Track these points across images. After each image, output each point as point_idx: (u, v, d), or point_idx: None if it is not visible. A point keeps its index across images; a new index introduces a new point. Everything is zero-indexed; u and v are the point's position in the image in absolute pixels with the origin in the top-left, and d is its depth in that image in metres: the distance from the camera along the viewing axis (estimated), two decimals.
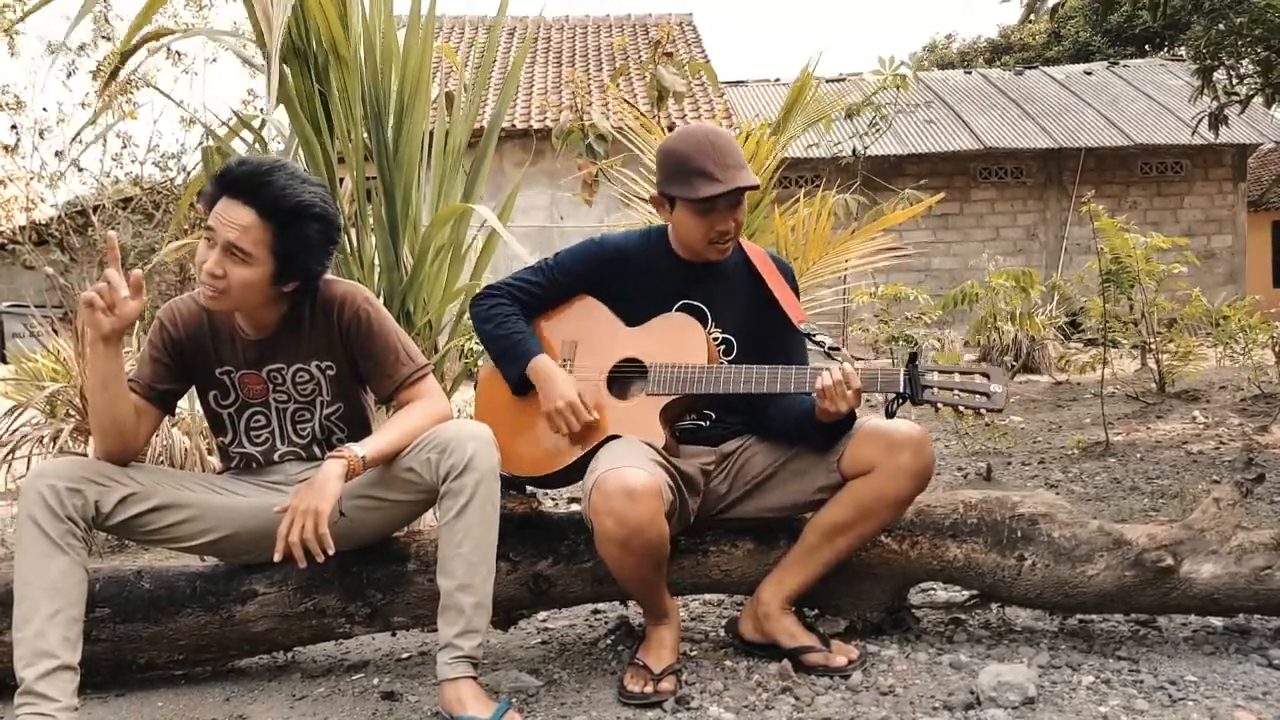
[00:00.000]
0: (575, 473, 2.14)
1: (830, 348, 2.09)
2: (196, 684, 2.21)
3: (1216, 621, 2.24)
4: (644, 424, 2.09)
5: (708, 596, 2.66)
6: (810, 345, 2.21)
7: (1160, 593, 2.07)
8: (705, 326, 2.17)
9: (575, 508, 2.39)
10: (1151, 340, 6.62)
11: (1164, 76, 18.20)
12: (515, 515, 2.13)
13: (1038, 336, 8.79)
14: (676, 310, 2.20)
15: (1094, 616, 2.30)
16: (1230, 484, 2.14)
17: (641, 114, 4.90)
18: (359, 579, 2.16)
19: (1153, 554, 2.05)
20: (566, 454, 2.14)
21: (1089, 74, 18.98)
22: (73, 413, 3.99)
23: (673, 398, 2.10)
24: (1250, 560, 2.03)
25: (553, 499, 3.88)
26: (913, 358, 2.03)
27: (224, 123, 3.46)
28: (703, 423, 2.25)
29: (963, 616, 2.35)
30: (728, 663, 2.15)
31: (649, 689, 1.97)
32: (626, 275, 2.23)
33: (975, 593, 2.27)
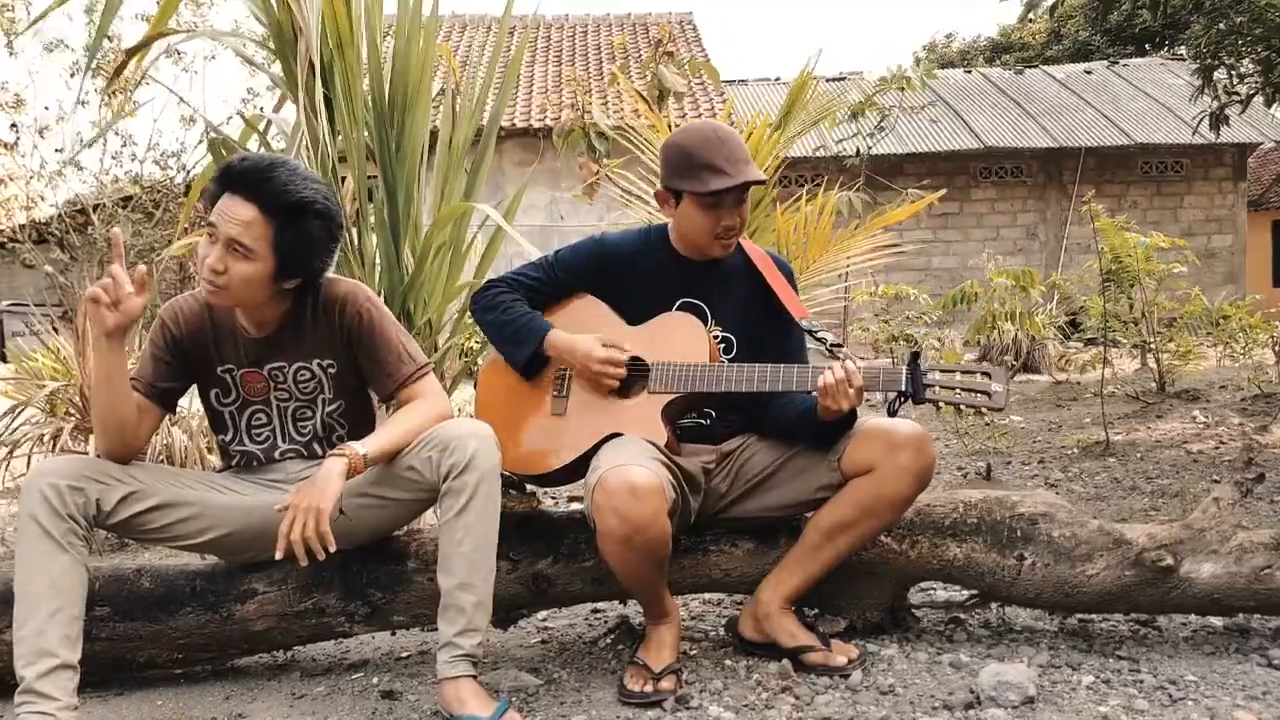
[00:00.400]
0: (576, 471, 2.14)
1: (832, 345, 2.09)
2: (196, 683, 2.21)
3: (1216, 621, 2.24)
4: (646, 422, 2.09)
5: (708, 596, 2.66)
6: (811, 342, 2.21)
7: (1160, 592, 2.07)
8: (705, 325, 2.17)
9: (575, 507, 2.39)
10: (1151, 340, 6.62)
11: (1164, 76, 18.19)
12: (515, 514, 2.13)
13: (1038, 336, 8.79)
14: (677, 309, 2.20)
15: (1094, 616, 2.30)
16: (1230, 484, 2.14)
17: (651, 107, 4.91)
18: (359, 578, 2.16)
19: (1153, 554, 2.05)
20: (567, 451, 2.14)
21: (1089, 73, 18.97)
22: (73, 411, 4.00)
23: (674, 396, 2.10)
24: (1250, 560, 2.03)
25: (553, 498, 3.88)
26: (914, 356, 2.03)
27: (227, 121, 3.45)
28: (703, 421, 2.25)
29: (963, 616, 2.35)
30: (728, 662, 2.15)
31: (649, 688, 1.97)
32: (627, 274, 2.23)
33: (975, 592, 2.27)
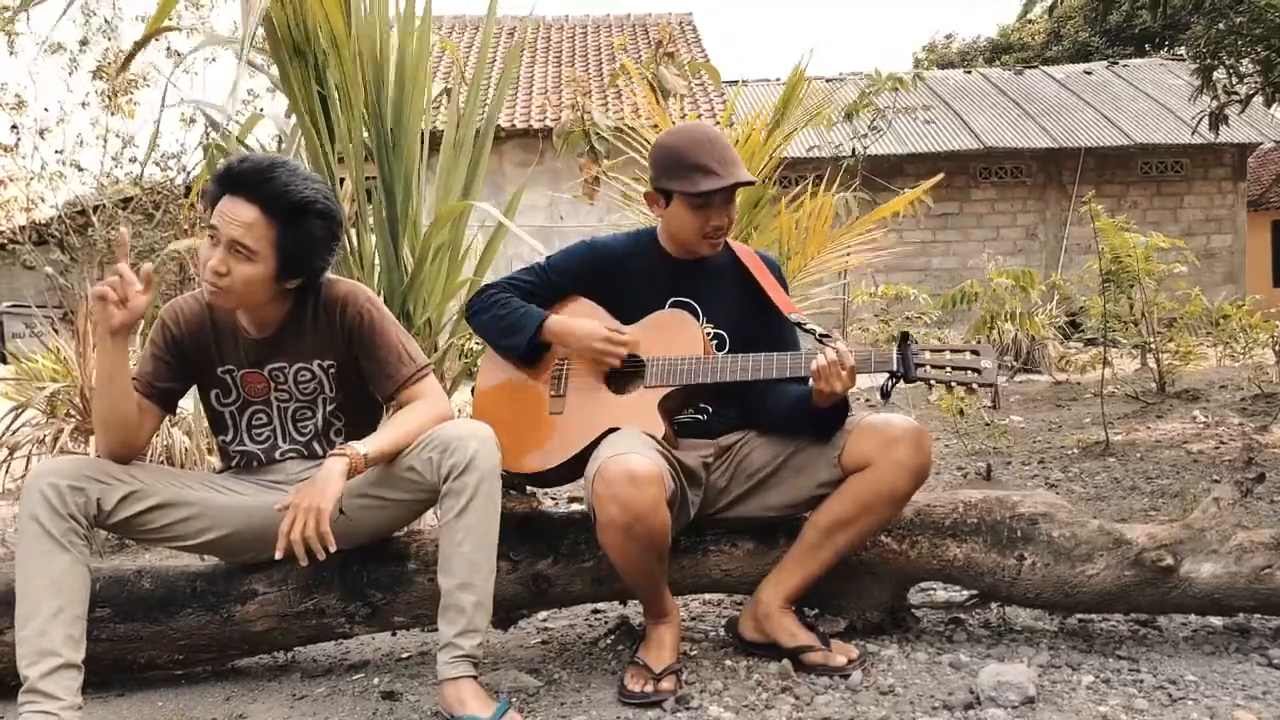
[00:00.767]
0: (576, 469, 2.14)
1: (821, 335, 2.10)
2: (196, 683, 2.21)
3: (1216, 621, 2.24)
4: (643, 415, 2.10)
5: (708, 596, 2.66)
6: (802, 334, 2.23)
7: (1160, 592, 2.07)
8: (697, 321, 2.19)
9: (575, 507, 2.40)
10: (1151, 340, 6.62)
11: (1164, 76, 18.20)
12: (515, 514, 2.13)
13: (1037, 336, 8.79)
14: (669, 307, 2.22)
15: (1094, 616, 2.30)
16: (1230, 484, 2.14)
17: (659, 102, 4.91)
18: (359, 579, 2.16)
19: (1152, 553, 2.05)
20: (566, 449, 2.14)
21: (1089, 74, 18.97)
22: (73, 412, 4.00)
23: (670, 389, 2.12)
24: (1250, 560, 2.03)
25: (553, 498, 3.88)
26: (904, 336, 2.05)
27: (226, 121, 3.46)
28: (701, 416, 2.26)
29: (962, 616, 2.35)
30: (728, 662, 2.15)
31: (649, 688, 1.97)
32: (618, 275, 2.26)
33: (975, 592, 2.27)
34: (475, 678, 1.90)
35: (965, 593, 2.38)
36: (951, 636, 2.25)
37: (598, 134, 5.36)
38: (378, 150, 3.27)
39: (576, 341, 2.16)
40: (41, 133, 9.62)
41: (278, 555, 1.85)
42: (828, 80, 16.81)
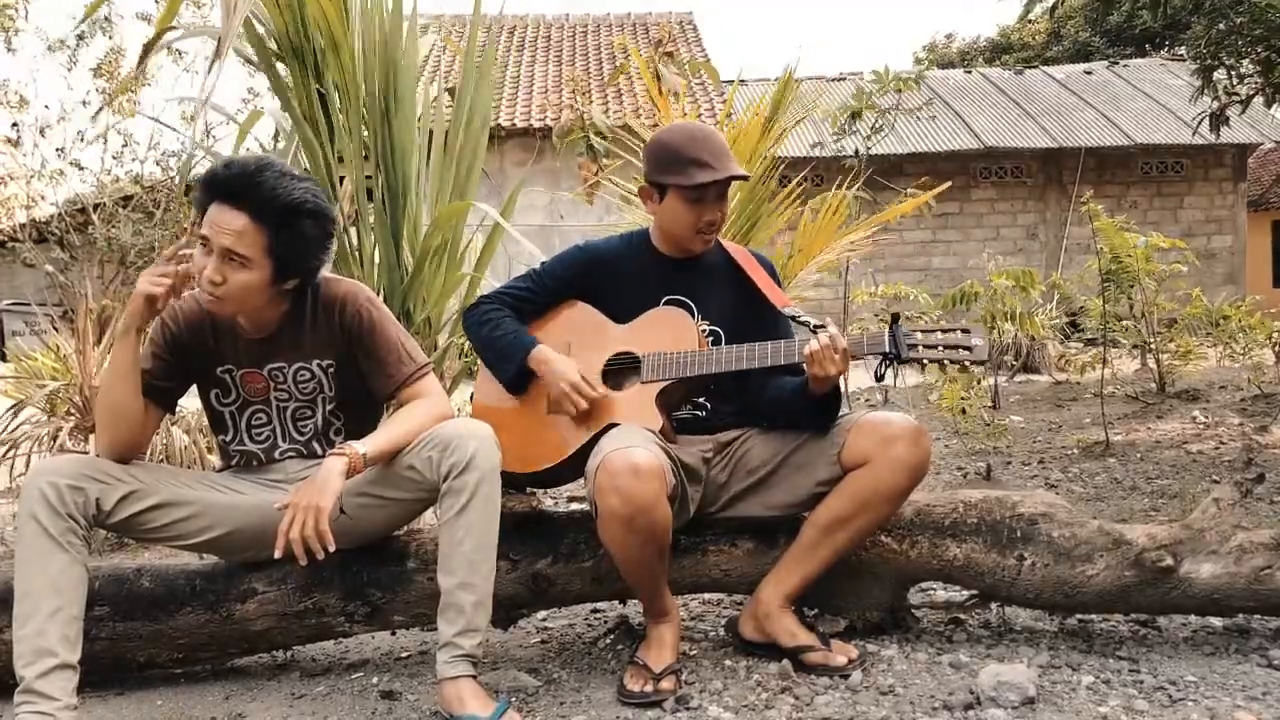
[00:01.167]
0: (575, 468, 2.14)
1: (815, 325, 2.11)
2: (195, 682, 2.21)
3: (1216, 621, 2.24)
4: (641, 410, 2.11)
5: (708, 596, 2.66)
6: (796, 326, 2.24)
7: (1160, 593, 2.07)
8: (692, 318, 2.20)
9: (575, 507, 2.40)
10: (1151, 340, 6.62)
11: (1164, 76, 18.19)
12: (515, 514, 2.13)
13: (1037, 336, 8.78)
14: (663, 305, 2.23)
15: (1094, 616, 2.30)
16: (1230, 484, 2.14)
17: (664, 99, 4.92)
18: (359, 578, 2.16)
19: (1152, 554, 2.05)
20: (566, 446, 2.15)
21: (1089, 74, 18.96)
22: (73, 411, 4.00)
23: (667, 382, 2.13)
24: (1250, 560, 2.03)
25: (553, 498, 3.88)
26: (895, 318, 2.06)
27: (226, 122, 3.46)
28: (699, 413, 2.27)
29: (962, 616, 2.35)
30: (728, 662, 2.15)
31: (649, 688, 1.97)
32: (612, 277, 2.28)
33: (975, 592, 2.27)
34: (475, 677, 1.90)
35: (965, 593, 2.38)
36: (951, 636, 2.25)
37: (597, 134, 5.36)
38: (377, 149, 3.27)
39: (549, 379, 2.16)
40: (42, 130, 9.60)
41: (277, 554, 1.85)
42: (829, 80, 16.85)
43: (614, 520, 1.91)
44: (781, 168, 4.46)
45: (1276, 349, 6.93)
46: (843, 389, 2.13)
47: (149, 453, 3.55)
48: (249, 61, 3.56)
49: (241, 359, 2.10)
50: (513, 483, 2.18)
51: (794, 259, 4.22)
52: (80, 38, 10.52)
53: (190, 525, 2.03)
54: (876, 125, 7.73)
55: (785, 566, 2.15)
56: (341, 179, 3.39)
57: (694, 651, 2.23)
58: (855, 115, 7.32)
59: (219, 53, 2.79)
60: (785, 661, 2.05)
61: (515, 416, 2.21)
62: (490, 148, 3.57)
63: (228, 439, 2.18)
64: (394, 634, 2.46)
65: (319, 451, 2.12)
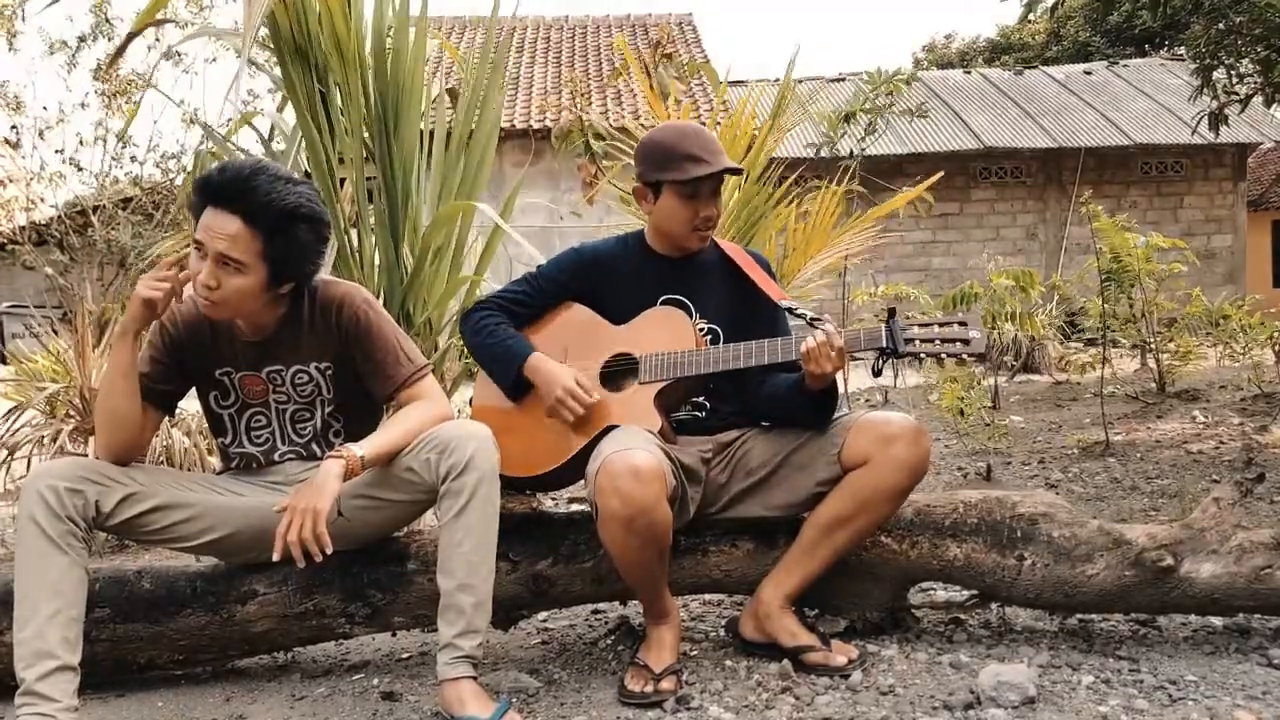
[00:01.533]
0: (575, 471, 2.14)
1: (812, 319, 2.11)
2: (196, 684, 2.21)
3: (1216, 621, 2.24)
4: (639, 411, 2.11)
5: (708, 596, 2.66)
6: (793, 320, 2.24)
7: (1160, 592, 2.07)
8: (690, 318, 2.21)
9: (575, 508, 2.40)
10: (1151, 340, 6.62)
11: (1164, 76, 18.18)
12: (515, 515, 2.13)
13: (1037, 336, 8.79)
14: (660, 305, 2.23)
15: (1094, 616, 2.30)
16: (1230, 484, 2.14)
17: (660, 101, 4.93)
18: (359, 579, 2.16)
19: (1152, 554, 2.05)
20: (565, 449, 2.14)
21: (1089, 74, 18.96)
22: (73, 413, 4.00)
23: (665, 383, 2.13)
24: (1250, 560, 2.03)
25: (553, 499, 3.88)
26: (891, 313, 2.06)
27: (226, 122, 3.46)
28: (699, 413, 2.27)
29: (963, 616, 2.35)
30: (728, 662, 2.15)
31: (649, 689, 1.97)
32: (608, 279, 2.28)
33: (975, 592, 2.27)
34: (475, 678, 1.90)
35: (965, 593, 2.38)
36: (951, 637, 2.25)
37: (596, 135, 5.36)
38: (377, 150, 3.27)
39: (547, 390, 2.15)
40: (41, 133, 9.60)
41: (275, 557, 1.85)
42: (828, 80, 16.85)
43: (614, 522, 1.91)
44: (781, 168, 4.47)
45: (1276, 349, 6.92)
46: (842, 388, 2.13)
47: (149, 455, 3.55)
48: (250, 62, 3.56)
49: (240, 361, 2.10)
50: (513, 485, 2.18)
51: (789, 259, 4.22)
52: (81, 39, 10.53)
53: (190, 527, 2.03)
54: (871, 126, 7.74)
55: (785, 567, 2.15)
56: (343, 180, 3.39)
57: (694, 652, 2.23)
58: (848, 118, 7.34)
59: (242, 53, 2.79)
60: (785, 662, 2.05)
61: (515, 420, 2.21)
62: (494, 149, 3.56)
63: (227, 441, 2.18)
64: (394, 635, 2.46)
65: (318, 453, 2.12)
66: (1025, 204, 16.41)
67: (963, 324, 2.04)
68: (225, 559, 2.18)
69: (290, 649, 2.29)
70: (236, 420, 2.16)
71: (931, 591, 2.59)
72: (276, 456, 2.16)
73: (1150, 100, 17.17)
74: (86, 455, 3.31)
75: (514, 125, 13.87)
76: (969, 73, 20.07)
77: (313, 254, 2.01)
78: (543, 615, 2.60)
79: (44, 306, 6.67)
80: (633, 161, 2.32)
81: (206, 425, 2.30)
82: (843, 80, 16.84)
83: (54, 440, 3.87)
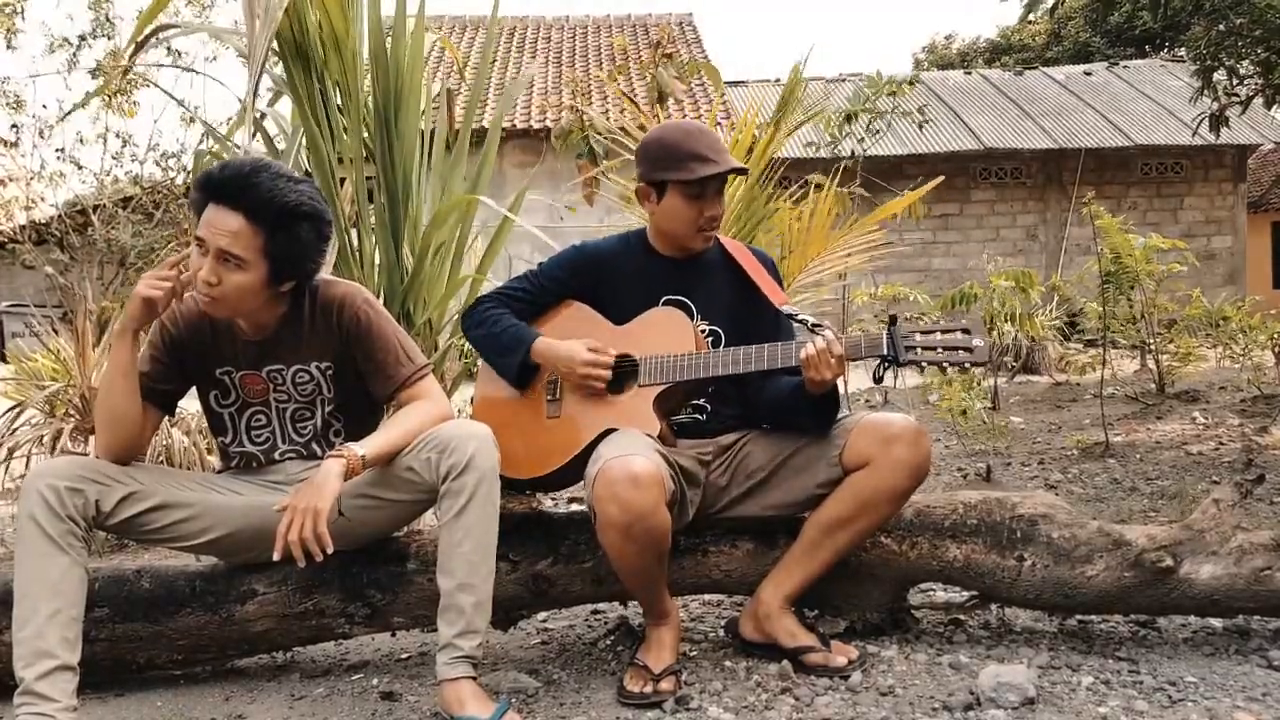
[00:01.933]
0: (575, 472, 2.14)
1: (813, 324, 2.10)
2: (195, 684, 2.21)
3: (1216, 622, 2.24)
4: (638, 415, 2.10)
5: (708, 597, 2.66)
6: (795, 325, 2.23)
7: (1160, 593, 2.07)
8: (691, 319, 2.20)
9: (575, 508, 2.40)
10: (1151, 341, 6.62)
11: (1164, 77, 18.20)
12: (515, 515, 2.13)
13: (1037, 337, 8.78)
14: (662, 305, 2.22)
15: (1094, 617, 2.30)
16: (1230, 484, 2.14)
17: (641, 110, 4.92)
18: (359, 579, 2.16)
19: (1152, 555, 2.05)
20: (565, 451, 2.14)
21: (1089, 74, 18.97)
22: (73, 412, 4.00)
23: (664, 386, 2.12)
24: (1250, 561, 2.03)
25: (553, 499, 3.88)
26: (893, 320, 2.04)
27: (226, 121, 3.46)
28: (699, 416, 2.26)
29: (962, 617, 2.35)
30: (727, 663, 2.15)
31: (649, 689, 1.97)
32: (609, 278, 2.27)
33: (975, 593, 2.27)
34: (475, 678, 1.90)
35: (965, 594, 2.38)
36: (951, 637, 2.25)
37: (596, 135, 5.36)
38: (378, 149, 3.27)
39: (560, 366, 2.16)
40: (41, 131, 9.60)
41: (275, 557, 1.85)
42: (828, 81, 16.85)
43: (612, 528, 1.91)
44: (782, 168, 4.47)
45: (1277, 350, 6.92)
46: (842, 391, 2.12)
47: (149, 454, 3.55)
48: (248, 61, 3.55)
49: (240, 361, 2.10)
50: (513, 485, 2.18)
51: (787, 260, 4.22)
52: (82, 38, 10.52)
53: (190, 526, 2.03)
54: (870, 127, 7.76)
55: (785, 567, 2.15)
56: (343, 180, 3.39)
57: (694, 652, 2.23)
58: (849, 119, 7.36)
59: (251, 55, 2.79)
60: (785, 662, 2.05)
61: (515, 421, 2.21)
62: (496, 148, 3.56)
63: (227, 440, 2.18)
64: (394, 635, 2.46)
65: (318, 453, 2.12)
66: (1025, 205, 16.43)
67: (966, 332, 2.01)
68: (225, 558, 2.18)
69: (289, 649, 2.29)
70: (237, 419, 2.16)
71: (931, 592, 2.59)
72: (277, 456, 2.15)
73: (1150, 101, 17.19)
74: (86, 454, 3.31)
75: (515, 125, 13.87)
76: (969, 73, 20.08)
77: (314, 252, 2.01)
78: (542, 615, 2.60)
79: (44, 305, 6.67)
80: (634, 161, 2.31)
81: (206, 424, 2.30)
82: (843, 81, 16.84)
83: (54, 440, 3.87)
